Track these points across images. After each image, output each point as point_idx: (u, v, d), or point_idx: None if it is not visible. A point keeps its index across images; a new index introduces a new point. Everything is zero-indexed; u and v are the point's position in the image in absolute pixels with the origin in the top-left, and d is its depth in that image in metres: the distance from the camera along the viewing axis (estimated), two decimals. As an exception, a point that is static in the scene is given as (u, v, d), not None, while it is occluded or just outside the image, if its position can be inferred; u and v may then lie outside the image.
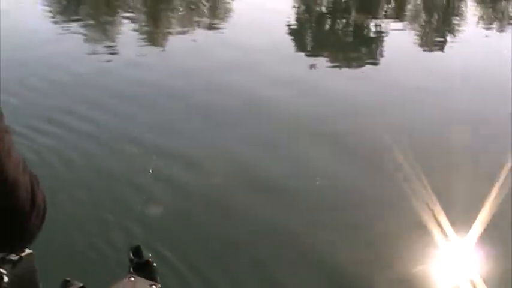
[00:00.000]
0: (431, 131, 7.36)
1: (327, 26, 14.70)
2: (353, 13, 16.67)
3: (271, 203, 5.46)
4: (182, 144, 6.69)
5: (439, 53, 11.66)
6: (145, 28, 13.57)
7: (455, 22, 14.85)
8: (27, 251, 1.57)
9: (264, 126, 7.29)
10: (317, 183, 5.80)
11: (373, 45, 12.39)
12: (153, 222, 5.00)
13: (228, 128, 7.19)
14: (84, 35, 12.58)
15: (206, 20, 14.53)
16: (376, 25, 14.12)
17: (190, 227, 5.05)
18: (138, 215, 5.08)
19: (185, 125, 7.30)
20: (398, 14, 16.11)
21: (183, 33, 12.66)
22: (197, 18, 14.76)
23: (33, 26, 12.88)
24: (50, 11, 15.82)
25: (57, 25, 13.42)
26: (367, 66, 10.37)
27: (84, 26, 13.19)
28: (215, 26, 13.43)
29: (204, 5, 17.18)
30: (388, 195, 5.63)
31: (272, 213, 5.29)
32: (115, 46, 11.60)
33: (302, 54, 11.24)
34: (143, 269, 2.49)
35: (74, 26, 13.25)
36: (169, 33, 12.83)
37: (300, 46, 11.98)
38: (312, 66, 10.05)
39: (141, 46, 11.61)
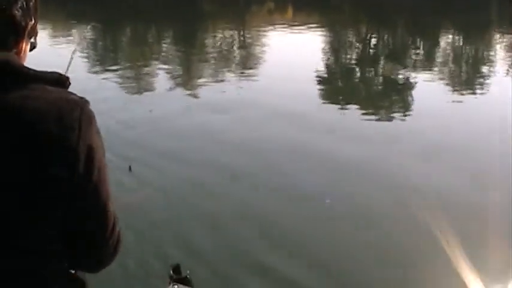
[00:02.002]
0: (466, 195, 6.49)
1: (356, 76, 14.80)
2: (381, 63, 16.84)
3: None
4: (239, 187, 6.71)
5: (468, 103, 11.38)
6: (179, 78, 13.79)
7: (485, 71, 14.76)
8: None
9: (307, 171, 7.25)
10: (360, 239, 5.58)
11: (402, 95, 12.38)
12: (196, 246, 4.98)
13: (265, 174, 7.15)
14: (121, 84, 12.91)
15: (238, 70, 14.74)
16: (404, 74, 14.16)
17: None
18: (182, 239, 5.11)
19: (223, 169, 7.27)
20: (427, 63, 16.18)
21: (216, 82, 12.80)
22: (229, 68, 14.98)
23: (72, 75, 13.20)
24: (87, 61, 16.32)
25: (95, 74, 13.82)
26: (397, 115, 10.24)
27: (120, 76, 13.50)
28: (247, 75, 13.58)
29: (236, 56, 17.53)
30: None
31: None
32: (151, 95, 11.83)
33: (333, 103, 11.24)
34: (182, 284, 2.58)
35: (111, 75, 13.63)
36: (202, 82, 12.97)
37: (330, 95, 12.06)
38: (343, 114, 10.04)
39: (175, 94, 11.85)
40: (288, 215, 5.91)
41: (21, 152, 1.29)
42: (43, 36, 22.62)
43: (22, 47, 1.45)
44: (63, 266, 1.48)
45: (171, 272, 2.60)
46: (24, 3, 1.41)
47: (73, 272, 1.53)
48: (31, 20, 1.45)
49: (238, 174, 6.97)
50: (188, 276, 2.63)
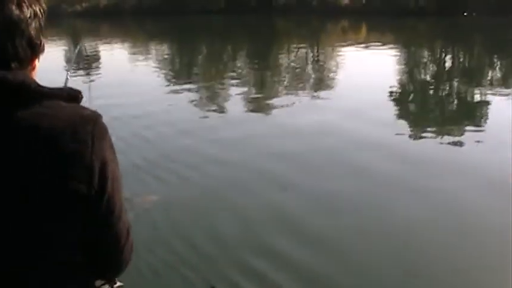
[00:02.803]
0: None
1: (430, 93, 14.52)
2: (456, 81, 16.46)
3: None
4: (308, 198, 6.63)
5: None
6: (252, 94, 13.90)
7: None
8: (118, 283, 1.77)
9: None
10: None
11: (477, 114, 12.01)
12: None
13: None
14: (194, 97, 13.19)
15: (311, 89, 14.67)
16: (480, 93, 13.80)
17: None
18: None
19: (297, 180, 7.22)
20: (503, 82, 15.72)
21: (288, 102, 12.71)
22: (302, 87, 14.95)
23: (148, 88, 13.70)
24: (163, 77, 16.71)
25: (170, 87, 14.13)
26: (469, 134, 9.85)
27: (194, 93, 13.75)
28: (320, 96, 13.43)
29: (310, 75, 17.53)
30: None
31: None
32: (222, 110, 12.01)
33: (404, 121, 11.07)
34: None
35: (186, 88, 13.93)
36: (274, 101, 12.97)
37: (403, 113, 11.87)
38: (416, 136, 9.77)
39: (247, 111, 11.95)
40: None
41: (42, 168, 1.36)
42: (123, 51, 23.37)
43: (35, 65, 1.51)
44: (88, 278, 1.57)
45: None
46: (38, 22, 1.46)
47: (96, 284, 1.65)
48: (42, 38, 1.50)
49: (316, 197, 6.79)
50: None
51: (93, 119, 1.45)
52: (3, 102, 1.36)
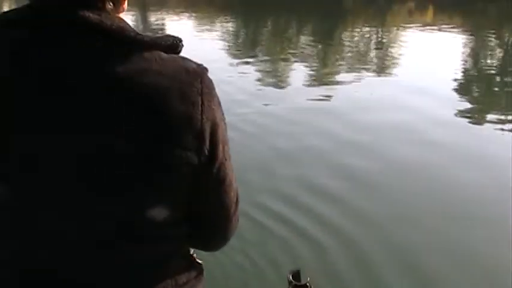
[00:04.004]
0: None
1: (495, 85, 13.98)
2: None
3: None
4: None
5: None
6: (315, 72, 13.76)
7: None
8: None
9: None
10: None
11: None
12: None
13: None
14: (255, 70, 13.14)
15: (374, 69, 14.46)
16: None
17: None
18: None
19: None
20: None
21: (350, 80, 12.62)
22: (365, 67, 14.72)
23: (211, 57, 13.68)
24: (228, 51, 16.71)
25: (233, 65, 14.13)
26: None
27: (257, 68, 13.68)
28: (383, 76, 13.33)
29: (373, 55, 17.21)
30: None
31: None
32: (284, 87, 11.89)
33: (466, 111, 10.64)
34: (301, 291, 2.50)
35: (248, 66, 13.88)
36: (337, 79, 12.86)
37: (465, 102, 11.48)
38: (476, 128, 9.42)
39: (308, 86, 11.84)
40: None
41: (145, 134, 1.14)
42: (189, 23, 23.46)
43: (125, 7, 1.26)
44: (187, 250, 1.43)
45: (291, 277, 2.53)
46: None
47: (192, 255, 1.47)
48: None
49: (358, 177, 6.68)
50: (308, 284, 2.55)
51: (201, 75, 1.23)
52: (99, 53, 1.14)
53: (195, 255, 1.48)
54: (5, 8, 18.24)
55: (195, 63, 1.25)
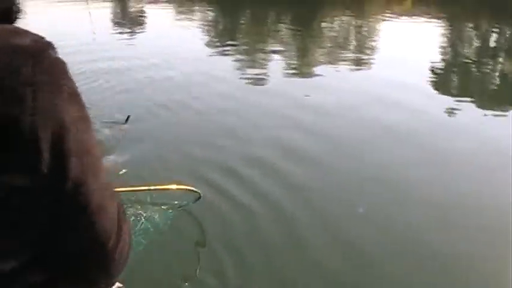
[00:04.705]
0: None
1: (473, 71, 14.01)
2: (501, 59, 15.87)
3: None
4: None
5: None
6: (293, 60, 13.67)
7: None
8: (117, 284, 1.17)
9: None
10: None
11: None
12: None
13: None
14: (235, 59, 12.99)
15: (351, 57, 14.42)
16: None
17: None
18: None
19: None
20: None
21: (329, 66, 12.63)
22: (343, 54, 14.68)
23: (190, 46, 13.62)
24: (208, 35, 16.57)
25: (211, 48, 14.01)
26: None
27: (235, 55, 13.56)
28: (360, 63, 13.30)
29: (351, 43, 17.14)
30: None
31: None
32: (262, 74, 11.79)
33: (444, 95, 10.69)
34: None
35: (227, 49, 13.77)
36: (316, 65, 12.84)
37: (442, 87, 11.49)
38: (452, 109, 9.49)
39: (287, 76, 11.74)
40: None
41: None
42: (168, 14, 23.21)
43: None
44: None
45: None
46: None
47: None
48: None
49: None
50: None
51: (36, 53, 0.83)
52: None
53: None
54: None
55: (33, 36, 0.86)
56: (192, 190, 4.94)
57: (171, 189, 4.79)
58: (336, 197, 5.82)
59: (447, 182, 6.31)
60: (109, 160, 6.02)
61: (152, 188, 4.70)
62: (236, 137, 7.40)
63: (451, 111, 9.27)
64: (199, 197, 4.94)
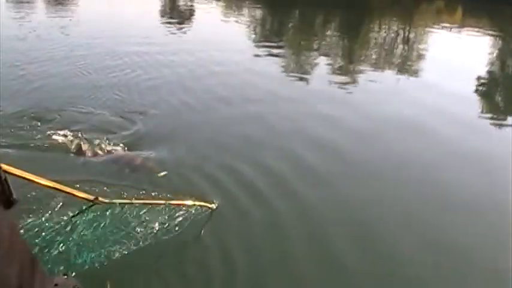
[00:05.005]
0: None
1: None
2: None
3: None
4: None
5: None
6: (336, 65, 13.58)
7: None
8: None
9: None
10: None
11: None
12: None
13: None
14: (277, 60, 12.97)
15: (397, 66, 14.26)
16: None
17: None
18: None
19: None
20: None
21: (374, 72, 12.52)
22: (389, 63, 14.55)
23: (239, 47, 13.66)
24: (254, 34, 16.59)
25: (258, 48, 14.00)
26: None
27: (279, 57, 13.56)
28: (406, 72, 13.13)
29: (398, 53, 16.98)
30: None
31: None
32: (307, 74, 11.75)
33: (489, 112, 10.44)
34: None
35: (274, 49, 13.77)
36: (361, 71, 12.73)
37: (487, 99, 11.28)
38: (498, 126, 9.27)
39: (328, 81, 11.69)
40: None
41: None
42: (217, 12, 23.35)
43: None
44: None
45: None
46: None
47: None
48: None
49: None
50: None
51: None
52: None
53: None
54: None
55: None
56: (208, 206, 4.95)
57: (187, 205, 4.82)
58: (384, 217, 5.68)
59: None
60: (149, 160, 6.08)
61: (169, 202, 4.74)
62: (276, 136, 7.36)
63: (499, 124, 9.14)
64: (215, 209, 4.96)
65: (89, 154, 6.12)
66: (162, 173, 5.81)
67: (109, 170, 5.69)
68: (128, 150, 6.30)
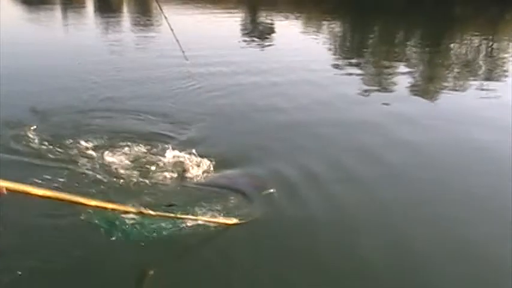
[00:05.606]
0: None
1: None
2: None
3: None
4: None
5: None
6: (417, 83, 13.37)
7: None
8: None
9: None
10: None
11: None
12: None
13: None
14: (359, 79, 12.98)
15: (480, 81, 13.84)
16: None
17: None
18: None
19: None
20: None
21: (455, 91, 12.21)
22: (472, 78, 14.19)
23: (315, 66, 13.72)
24: (333, 52, 16.62)
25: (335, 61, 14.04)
26: None
27: (360, 71, 13.54)
28: (489, 88, 12.69)
29: (481, 65, 16.51)
30: None
31: None
32: (388, 96, 11.63)
33: None
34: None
35: (353, 69, 13.77)
36: (441, 89, 12.43)
37: None
38: None
39: (410, 94, 11.59)
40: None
41: None
42: (296, 27, 23.47)
43: None
44: None
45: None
46: None
47: None
48: None
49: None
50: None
51: None
52: None
53: None
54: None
55: None
56: (239, 223, 5.02)
57: (221, 223, 4.92)
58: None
59: None
60: (257, 178, 6.22)
61: (203, 219, 4.87)
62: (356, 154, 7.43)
63: None
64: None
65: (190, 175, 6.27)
66: (269, 191, 5.87)
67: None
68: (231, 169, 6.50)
